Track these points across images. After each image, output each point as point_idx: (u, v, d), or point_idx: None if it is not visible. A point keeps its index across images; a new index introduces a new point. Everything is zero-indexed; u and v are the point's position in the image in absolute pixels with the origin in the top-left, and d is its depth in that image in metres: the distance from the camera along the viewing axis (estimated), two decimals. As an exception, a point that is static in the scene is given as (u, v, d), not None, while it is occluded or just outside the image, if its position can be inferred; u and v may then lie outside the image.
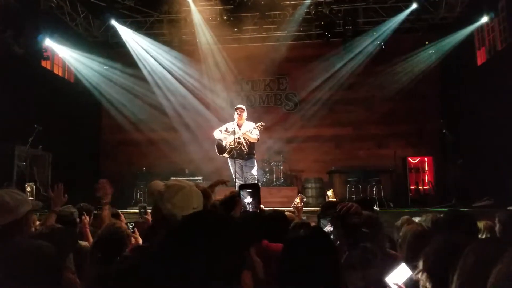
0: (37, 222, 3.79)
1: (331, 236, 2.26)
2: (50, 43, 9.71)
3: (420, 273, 1.83)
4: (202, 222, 1.15)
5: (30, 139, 8.05)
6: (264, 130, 7.72)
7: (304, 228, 3.43)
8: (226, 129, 7.60)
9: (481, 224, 3.30)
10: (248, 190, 2.31)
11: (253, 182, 7.32)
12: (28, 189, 7.13)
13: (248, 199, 2.26)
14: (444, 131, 8.62)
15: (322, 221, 2.21)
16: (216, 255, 1.07)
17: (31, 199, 5.96)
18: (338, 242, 2.24)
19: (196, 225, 1.13)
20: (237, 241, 1.13)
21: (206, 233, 1.10)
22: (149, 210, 3.67)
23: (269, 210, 3.34)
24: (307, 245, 1.56)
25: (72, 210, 3.81)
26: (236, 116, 7.56)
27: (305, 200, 4.58)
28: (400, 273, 2.09)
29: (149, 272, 1.34)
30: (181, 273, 1.04)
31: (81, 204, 4.09)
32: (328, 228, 2.34)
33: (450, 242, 1.81)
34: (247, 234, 1.20)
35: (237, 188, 7.08)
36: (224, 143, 7.51)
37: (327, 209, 2.51)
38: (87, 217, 3.75)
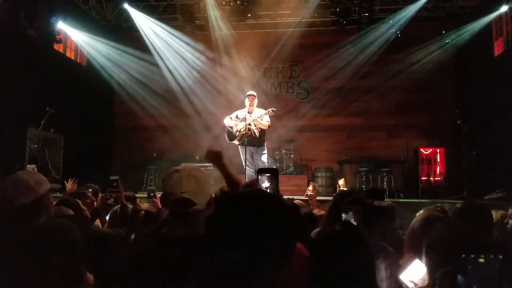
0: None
1: None
2: (62, 26, 9.70)
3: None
4: (260, 205, 1.03)
5: (42, 122, 8.10)
6: (276, 118, 7.65)
7: (312, 217, 3.41)
8: (237, 116, 7.54)
9: (497, 214, 3.25)
10: (266, 175, 2.23)
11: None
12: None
13: (266, 184, 2.19)
14: (458, 122, 8.47)
15: (344, 215, 2.14)
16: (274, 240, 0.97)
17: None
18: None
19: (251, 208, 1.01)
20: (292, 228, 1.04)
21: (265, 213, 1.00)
22: (158, 194, 3.66)
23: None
24: (343, 242, 1.50)
25: (85, 191, 3.88)
26: (247, 102, 7.49)
27: (317, 188, 4.53)
28: (415, 270, 2.00)
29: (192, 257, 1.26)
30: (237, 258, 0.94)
31: (87, 185, 4.16)
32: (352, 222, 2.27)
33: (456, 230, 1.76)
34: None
35: (247, 175, 7.09)
36: (234, 130, 7.47)
37: (343, 200, 2.44)
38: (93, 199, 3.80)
